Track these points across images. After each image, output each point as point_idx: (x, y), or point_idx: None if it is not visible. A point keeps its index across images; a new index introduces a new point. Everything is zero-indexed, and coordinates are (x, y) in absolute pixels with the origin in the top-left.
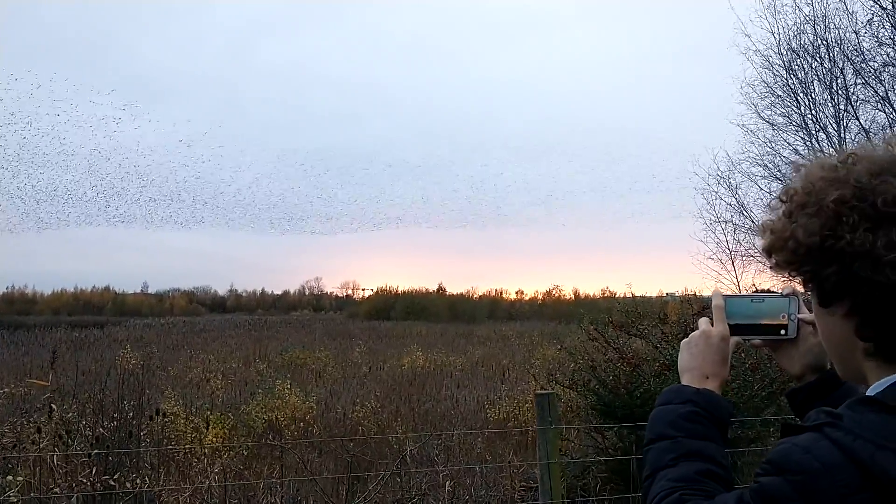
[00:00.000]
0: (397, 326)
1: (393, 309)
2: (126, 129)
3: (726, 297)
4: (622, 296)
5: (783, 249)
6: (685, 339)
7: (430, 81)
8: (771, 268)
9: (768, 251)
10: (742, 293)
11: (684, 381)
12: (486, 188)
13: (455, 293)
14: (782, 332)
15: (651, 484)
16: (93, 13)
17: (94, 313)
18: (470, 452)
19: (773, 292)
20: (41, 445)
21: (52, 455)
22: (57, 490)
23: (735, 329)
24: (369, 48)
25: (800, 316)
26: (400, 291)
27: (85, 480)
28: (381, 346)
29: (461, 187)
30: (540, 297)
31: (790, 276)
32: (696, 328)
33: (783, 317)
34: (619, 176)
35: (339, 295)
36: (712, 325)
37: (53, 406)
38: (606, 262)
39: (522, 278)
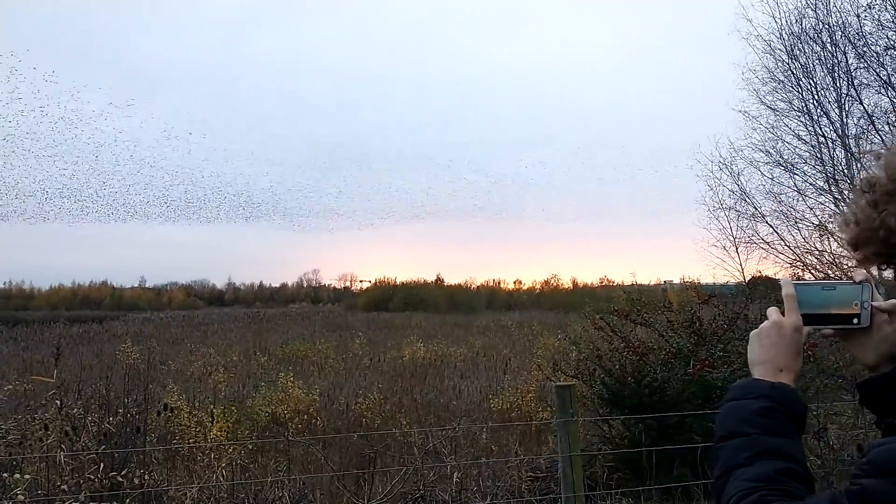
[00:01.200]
0: (396, 317)
1: (391, 300)
2: (120, 122)
3: (796, 285)
4: (621, 284)
5: (872, 241)
6: (755, 331)
7: (425, 70)
8: (858, 262)
9: (854, 244)
10: (812, 281)
11: (756, 374)
12: (483, 177)
13: (453, 283)
14: (855, 320)
15: (725, 483)
16: (84, 5)
17: (92, 308)
18: (475, 444)
19: (844, 280)
20: (48, 442)
21: (60, 452)
22: (65, 487)
23: (805, 319)
24: (364, 37)
25: (873, 304)
26: (398, 282)
27: (93, 477)
28: (380, 338)
29: (458, 177)
30: (538, 286)
31: (880, 269)
32: (699, 316)
33: (855, 305)
34: (617, 164)
35: (337, 287)
36: (783, 315)
37: (59, 402)
38: (604, 251)
39: (520, 268)
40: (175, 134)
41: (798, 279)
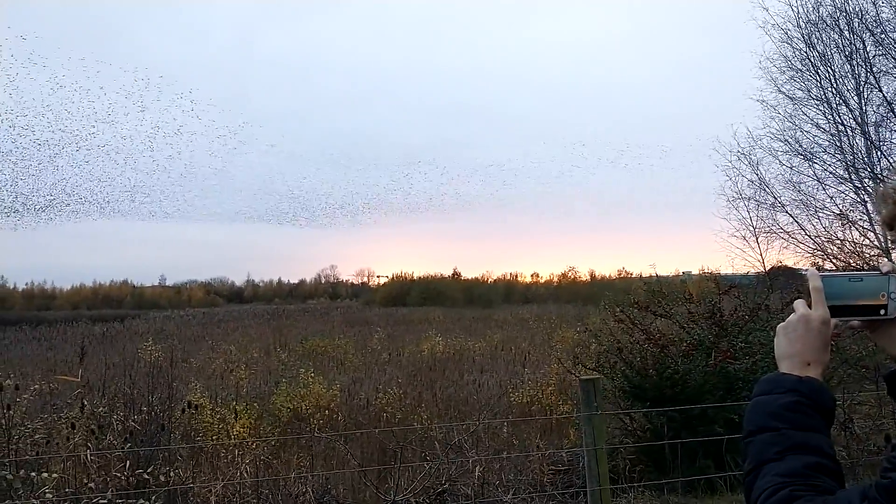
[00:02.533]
0: (414, 312)
1: (409, 295)
2: (135, 122)
3: (823, 277)
4: (639, 276)
5: None
6: (781, 324)
7: (438, 63)
8: (893, 241)
9: (890, 224)
10: (838, 272)
11: (783, 368)
12: (498, 170)
13: (470, 278)
14: (882, 311)
15: (755, 479)
16: (96, 5)
17: (114, 307)
18: (496, 438)
19: (871, 271)
20: (74, 441)
21: (86, 450)
22: (92, 485)
23: (832, 310)
24: (375, 32)
25: None
26: (415, 277)
27: (119, 475)
28: (399, 332)
29: (471, 171)
30: (555, 279)
31: None
32: (719, 307)
33: (882, 296)
34: (634, 154)
35: (355, 282)
36: (809, 308)
37: (85, 402)
38: (621, 243)
39: (537, 261)
40: (186, 132)
41: (819, 269)
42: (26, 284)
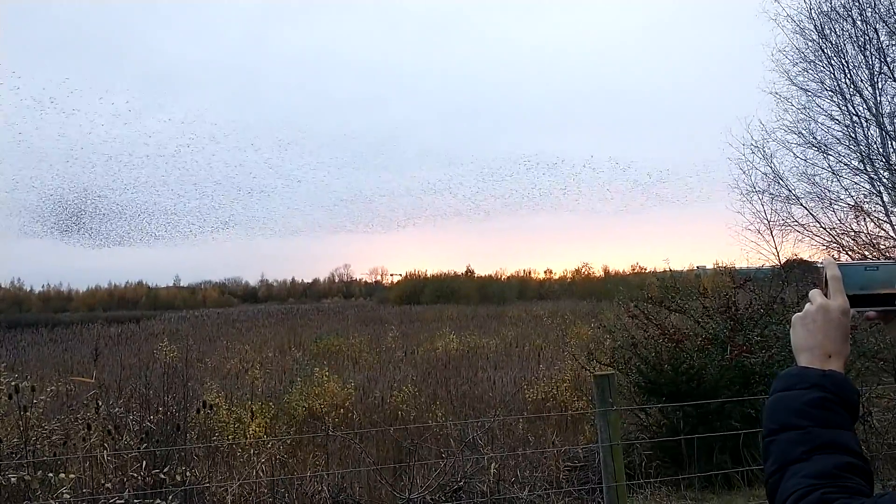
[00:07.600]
0: (428, 310)
1: (422, 293)
2: (146, 124)
3: (840, 265)
4: (653, 271)
5: None
6: (798, 315)
7: (451, 60)
8: None
9: None
10: (854, 262)
11: (802, 361)
12: (512, 166)
13: (484, 275)
14: None
15: (780, 480)
16: (107, 8)
17: (129, 308)
18: (512, 434)
19: (886, 260)
20: (91, 442)
21: (103, 451)
22: (109, 486)
23: (850, 300)
24: (388, 29)
25: None
26: (428, 275)
27: (135, 475)
28: (413, 331)
29: (484, 168)
30: (569, 275)
31: None
32: (734, 301)
33: None
34: (648, 149)
35: (368, 281)
36: (827, 298)
37: (100, 402)
38: (635, 238)
39: (551, 257)
40: (199, 134)
41: (834, 259)
42: (42, 287)
